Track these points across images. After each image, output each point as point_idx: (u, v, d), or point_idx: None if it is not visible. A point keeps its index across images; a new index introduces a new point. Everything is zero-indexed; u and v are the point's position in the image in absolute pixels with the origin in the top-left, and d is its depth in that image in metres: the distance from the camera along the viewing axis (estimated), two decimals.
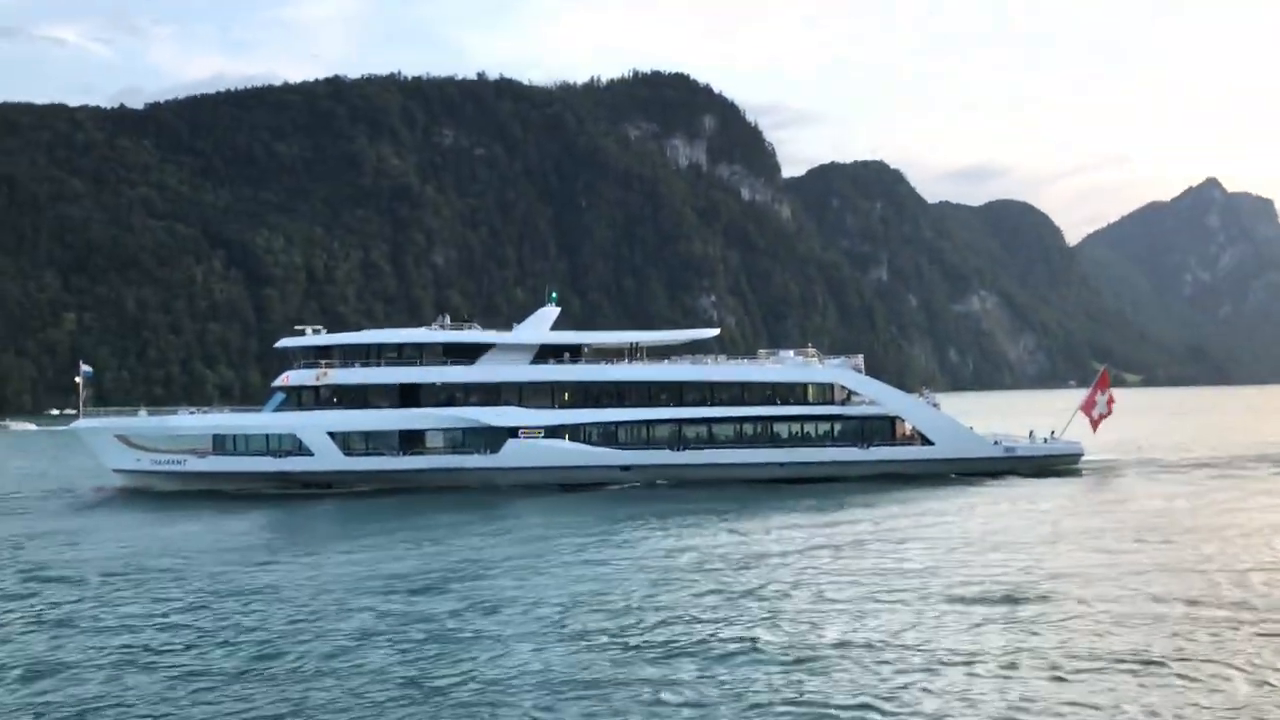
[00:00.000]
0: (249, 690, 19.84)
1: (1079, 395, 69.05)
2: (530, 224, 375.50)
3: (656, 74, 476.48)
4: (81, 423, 60.74)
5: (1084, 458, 61.57)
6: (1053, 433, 63.15)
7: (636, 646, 22.45)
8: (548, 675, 20.45)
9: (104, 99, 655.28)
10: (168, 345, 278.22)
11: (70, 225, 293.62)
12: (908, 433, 59.80)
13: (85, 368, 65.61)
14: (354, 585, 29.76)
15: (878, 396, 60.20)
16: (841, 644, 22.29)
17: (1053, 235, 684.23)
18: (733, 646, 22.25)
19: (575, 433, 57.87)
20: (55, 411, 59.10)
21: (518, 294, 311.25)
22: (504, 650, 22.24)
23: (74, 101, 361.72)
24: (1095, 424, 62.67)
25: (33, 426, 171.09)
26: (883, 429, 59.62)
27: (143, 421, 60.83)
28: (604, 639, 23.09)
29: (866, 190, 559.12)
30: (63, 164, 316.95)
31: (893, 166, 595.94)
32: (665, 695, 19.12)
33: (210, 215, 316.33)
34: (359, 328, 77.77)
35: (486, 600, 27.22)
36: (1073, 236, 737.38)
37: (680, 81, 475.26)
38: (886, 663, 20.89)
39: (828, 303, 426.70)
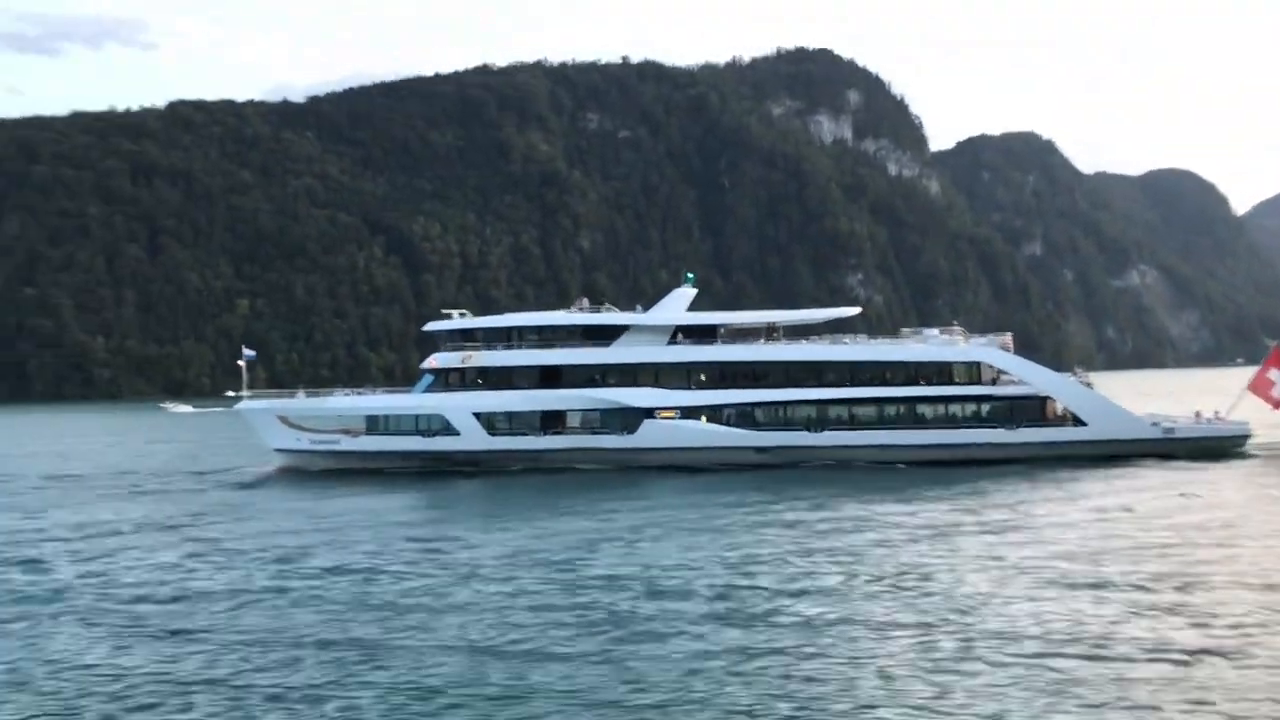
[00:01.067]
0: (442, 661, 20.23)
1: (1247, 373, 64.98)
2: (674, 206, 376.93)
3: (800, 50, 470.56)
4: (245, 404, 63.99)
5: (1252, 439, 58.09)
6: (1216, 413, 59.75)
7: (811, 626, 22.12)
8: (719, 657, 20.12)
9: (262, 93, 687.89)
10: (333, 329, 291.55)
11: (241, 216, 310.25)
12: (1059, 413, 57.64)
13: (248, 352, 68.75)
14: (513, 558, 30.59)
15: (1027, 376, 58.14)
16: (1025, 635, 21.27)
17: (1218, 204, 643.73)
18: (908, 631, 21.68)
19: (711, 414, 57.90)
20: (231, 394, 62.66)
21: (662, 276, 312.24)
22: (677, 631, 22.01)
23: (240, 97, 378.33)
24: (1277, 404, 58.62)
25: (189, 409, 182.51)
26: (1032, 410, 57.55)
27: (301, 403, 63.80)
28: (768, 619, 22.81)
29: (1018, 162, 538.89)
30: (233, 158, 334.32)
31: (1044, 137, 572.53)
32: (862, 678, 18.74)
33: (370, 203, 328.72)
34: (511, 310, 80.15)
35: (644, 578, 27.38)
36: (1240, 205, 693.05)
37: (824, 56, 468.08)
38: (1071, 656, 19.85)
39: (980, 279, 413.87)
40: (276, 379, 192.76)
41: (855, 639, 21.19)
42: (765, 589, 25.81)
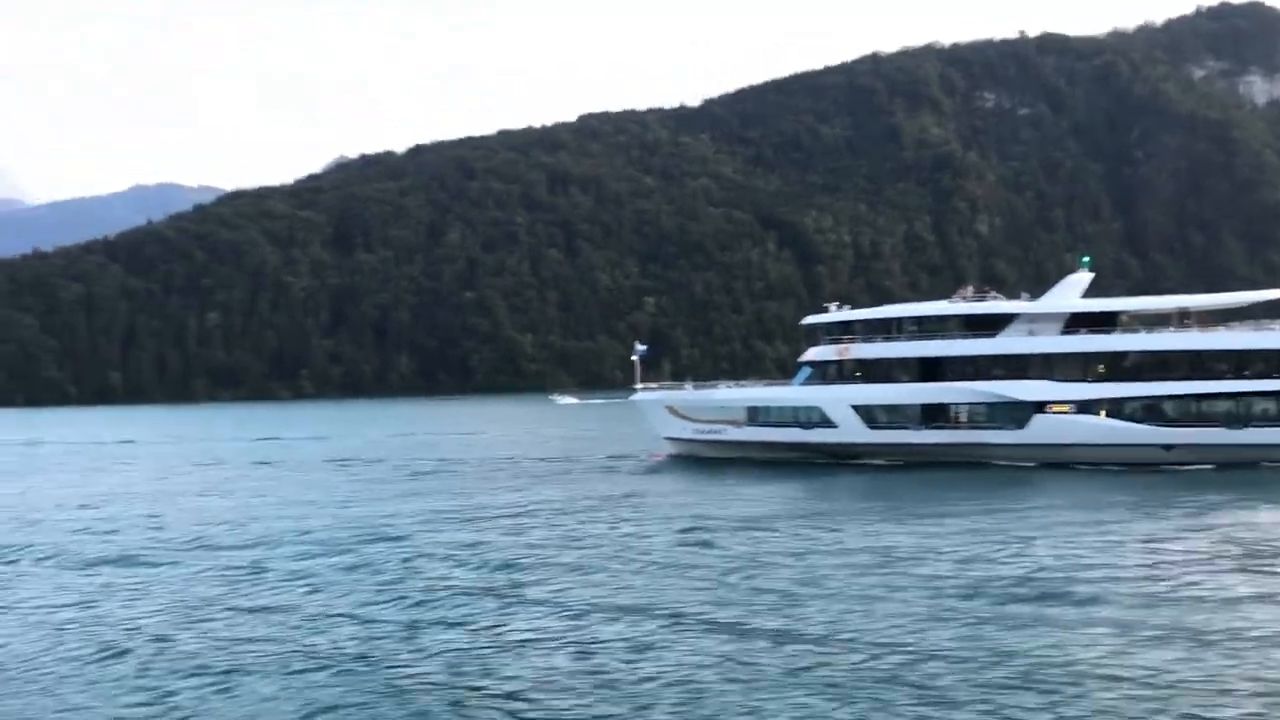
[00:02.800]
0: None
1: None
2: (1079, 183, 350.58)
3: (1225, 4, 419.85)
4: (638, 395, 68.45)
5: None
6: None
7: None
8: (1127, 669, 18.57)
9: (661, 100, 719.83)
10: (730, 324, 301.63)
11: (645, 217, 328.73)
12: None
13: (640, 347, 73.73)
14: (914, 551, 30.16)
15: None
16: None
17: None
18: None
19: (1112, 407, 53.78)
20: (639, 386, 67.30)
21: (1067, 259, 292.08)
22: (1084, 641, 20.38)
23: (642, 106, 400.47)
24: None
25: (574, 400, 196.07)
26: None
27: (688, 394, 67.07)
28: (1200, 634, 20.49)
29: None
30: (636, 163, 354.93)
31: None
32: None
33: (762, 200, 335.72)
34: (905, 300, 79.11)
35: (1042, 584, 25.61)
36: None
37: (1255, 11, 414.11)
38: None
39: None
40: (679, 373, 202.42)
41: None
42: (1186, 598, 23.50)
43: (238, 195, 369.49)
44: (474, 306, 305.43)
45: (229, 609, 24.92)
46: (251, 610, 24.67)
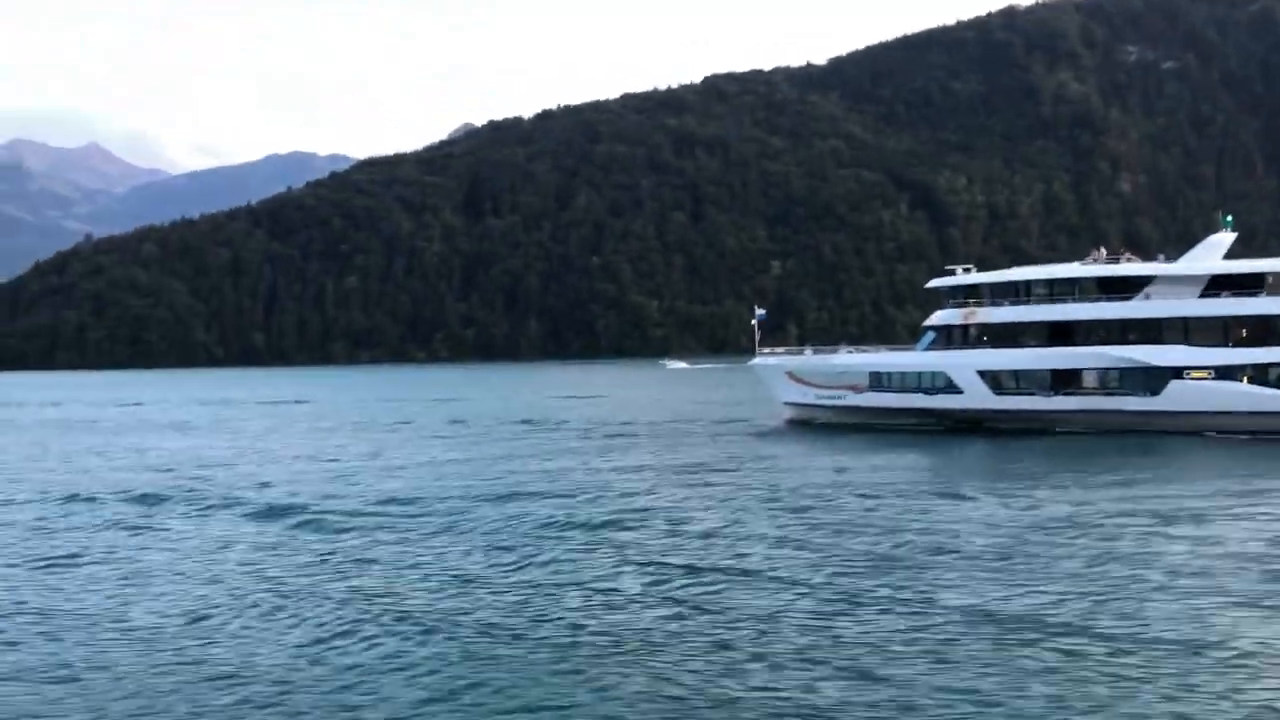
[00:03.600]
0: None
1: None
2: (1231, 139, 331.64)
3: None
4: (757, 360, 68.14)
5: None
6: None
7: None
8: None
9: (787, 60, 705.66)
10: (860, 287, 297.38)
11: (773, 179, 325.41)
12: None
13: (759, 311, 72.77)
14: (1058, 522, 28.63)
15: None
16: None
17: None
18: None
19: (1255, 373, 51.50)
20: (765, 350, 67.39)
21: (1216, 220, 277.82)
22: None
23: (768, 65, 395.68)
24: None
25: (685, 365, 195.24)
26: None
27: (808, 359, 66.62)
28: None
29: None
30: (763, 124, 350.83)
31: None
32: None
33: (893, 160, 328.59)
34: (1041, 263, 76.22)
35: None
36: None
37: None
38: None
39: None
40: (806, 337, 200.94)
41: None
42: None
43: (371, 163, 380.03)
44: (600, 271, 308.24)
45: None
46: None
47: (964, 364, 57.57)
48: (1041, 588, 21.20)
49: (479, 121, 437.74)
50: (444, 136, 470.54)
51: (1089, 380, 55.40)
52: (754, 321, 71.07)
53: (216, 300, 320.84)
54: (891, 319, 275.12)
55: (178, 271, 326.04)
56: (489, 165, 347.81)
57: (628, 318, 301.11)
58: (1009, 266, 62.99)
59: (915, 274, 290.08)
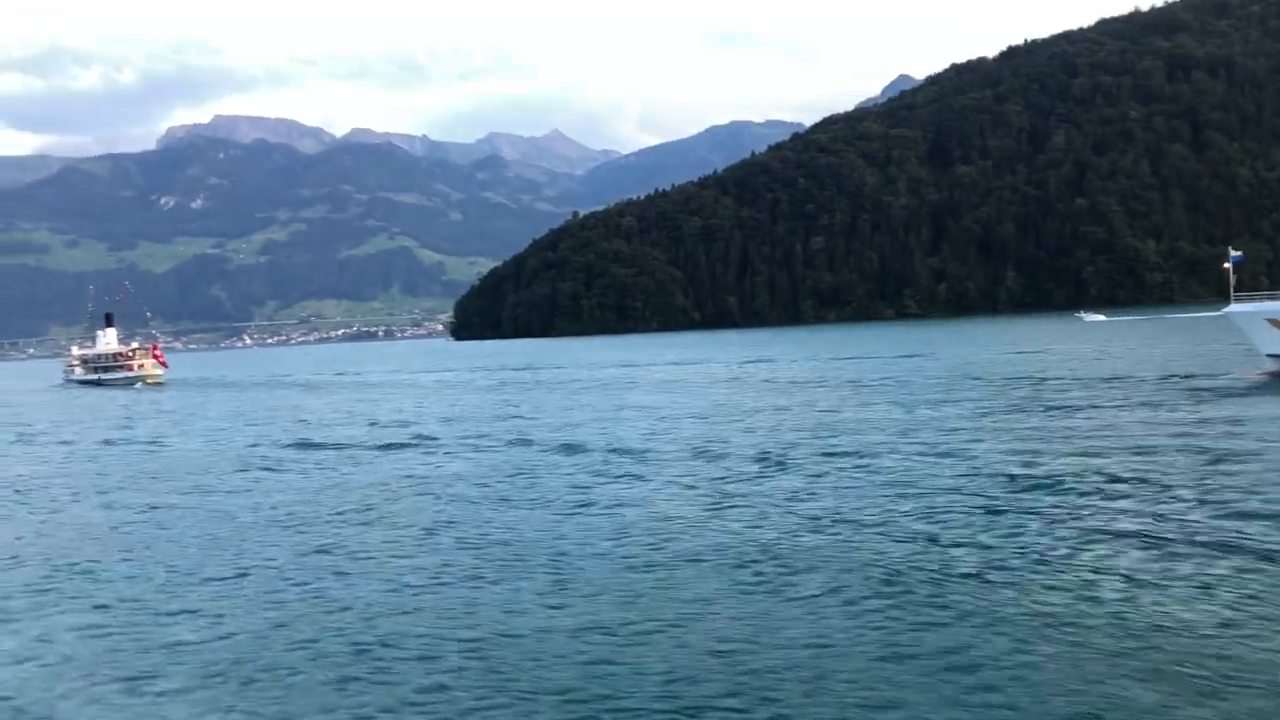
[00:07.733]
0: None
1: None
2: None
3: None
4: (1233, 307, 59.42)
5: None
6: None
7: None
8: None
9: None
10: None
11: None
12: None
13: (1235, 253, 65.04)
14: None
15: None
16: None
17: None
18: None
19: None
20: (1241, 295, 56.90)
21: None
22: None
23: None
24: None
25: (1102, 318, 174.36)
26: None
27: None
28: None
29: None
30: (1276, 34, 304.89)
31: None
32: None
33: None
34: None
35: None
36: None
37: None
38: None
39: None
40: None
41: None
42: None
43: (832, 120, 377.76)
44: (1086, 214, 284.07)
45: None
46: None
47: None
48: None
49: (917, 74, 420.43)
50: (877, 92, 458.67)
51: None
52: (1226, 265, 63.59)
53: (691, 266, 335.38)
54: None
55: (655, 241, 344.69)
56: (954, 112, 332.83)
57: (1120, 264, 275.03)
58: None
59: None
